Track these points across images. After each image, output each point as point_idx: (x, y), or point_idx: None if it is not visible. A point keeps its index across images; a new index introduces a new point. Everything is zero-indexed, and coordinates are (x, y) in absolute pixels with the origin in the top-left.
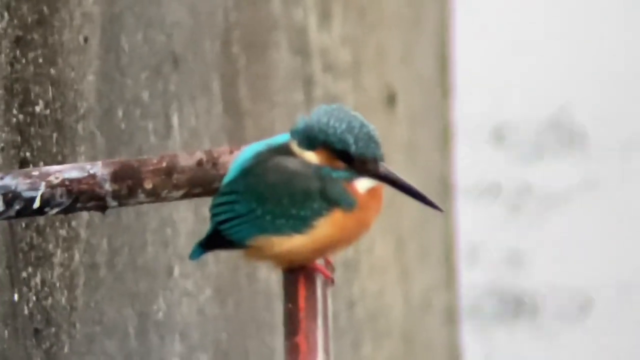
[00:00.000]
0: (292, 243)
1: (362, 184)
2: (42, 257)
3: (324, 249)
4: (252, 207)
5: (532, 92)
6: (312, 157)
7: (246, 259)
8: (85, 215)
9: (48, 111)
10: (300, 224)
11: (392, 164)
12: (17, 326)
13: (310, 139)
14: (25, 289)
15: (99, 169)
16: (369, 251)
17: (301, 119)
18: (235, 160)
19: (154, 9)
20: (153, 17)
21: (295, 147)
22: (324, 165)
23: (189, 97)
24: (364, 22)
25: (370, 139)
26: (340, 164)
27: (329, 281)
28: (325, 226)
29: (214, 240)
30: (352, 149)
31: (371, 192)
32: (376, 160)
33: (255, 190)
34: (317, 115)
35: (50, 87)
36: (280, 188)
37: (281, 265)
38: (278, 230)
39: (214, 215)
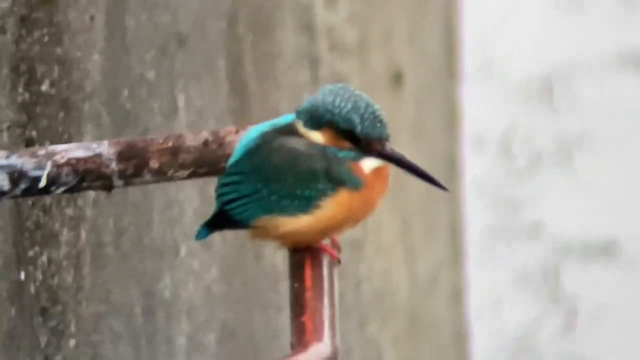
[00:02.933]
0: (298, 223)
1: (368, 164)
2: (49, 236)
3: (329, 229)
4: (258, 187)
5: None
6: (317, 137)
7: (252, 239)
8: (91, 194)
9: (54, 90)
10: (306, 204)
11: (398, 144)
12: (23, 305)
13: (315, 118)
14: (31, 268)
15: (105, 148)
16: (375, 231)
17: (306, 99)
18: (240, 140)
19: None
20: None
21: (300, 127)
22: (329, 145)
23: (194, 76)
24: (370, 0)
25: (376, 118)
26: (346, 144)
27: (335, 261)
28: (331, 206)
29: (220, 221)
30: (358, 128)
31: (377, 172)
32: (382, 140)
33: (261, 170)
34: (323, 94)
35: (56, 66)
36: (285, 168)
37: (286, 245)
38: (283, 211)
39: (219, 196)
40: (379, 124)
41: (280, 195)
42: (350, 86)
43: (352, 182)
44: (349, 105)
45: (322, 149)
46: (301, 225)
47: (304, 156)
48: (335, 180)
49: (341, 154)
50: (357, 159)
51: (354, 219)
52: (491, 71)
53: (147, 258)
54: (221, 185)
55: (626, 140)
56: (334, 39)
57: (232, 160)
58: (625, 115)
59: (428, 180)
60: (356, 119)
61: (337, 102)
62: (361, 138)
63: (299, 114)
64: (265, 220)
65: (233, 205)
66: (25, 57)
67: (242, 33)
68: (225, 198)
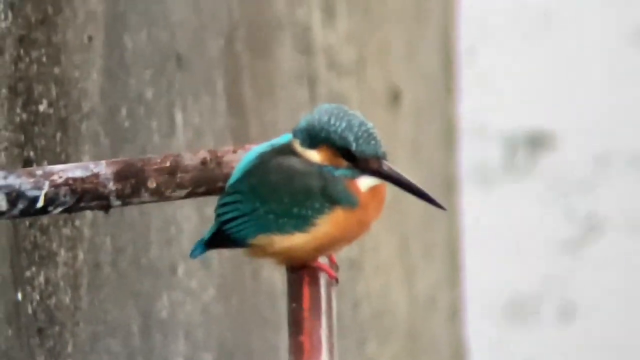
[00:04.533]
0: (294, 241)
1: (364, 183)
2: (46, 256)
3: (325, 247)
4: (256, 206)
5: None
6: (314, 155)
7: (248, 257)
8: (89, 214)
9: (52, 110)
10: (302, 222)
11: (396, 161)
12: (20, 325)
13: (312, 137)
14: (29, 288)
15: (103, 168)
16: (373, 250)
17: (303, 118)
18: (240, 161)
19: (157, 8)
20: (157, 15)
21: (297, 146)
22: (326, 164)
23: (192, 95)
24: (368, 19)
25: (370, 136)
26: (343, 162)
27: (333, 280)
28: (327, 225)
29: (217, 239)
30: (353, 146)
31: (373, 190)
32: (378, 158)
33: (258, 189)
34: (319, 114)
35: (54, 86)
36: (282, 187)
37: (282, 263)
38: (280, 229)
39: (218, 215)
40: (373, 142)
41: (277, 214)
42: (345, 106)
43: (348, 201)
44: (344, 124)
45: (318, 167)
46: (297, 243)
47: (300, 175)
48: (331, 199)
49: (338, 173)
50: (353, 177)
51: (349, 238)
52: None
53: (145, 278)
54: (220, 205)
55: None
56: (331, 58)
57: (231, 180)
58: None
59: (425, 199)
60: (351, 137)
61: (332, 120)
62: (357, 156)
63: (295, 133)
64: (262, 239)
65: (231, 224)
66: (23, 77)
67: (240, 52)
68: (224, 218)
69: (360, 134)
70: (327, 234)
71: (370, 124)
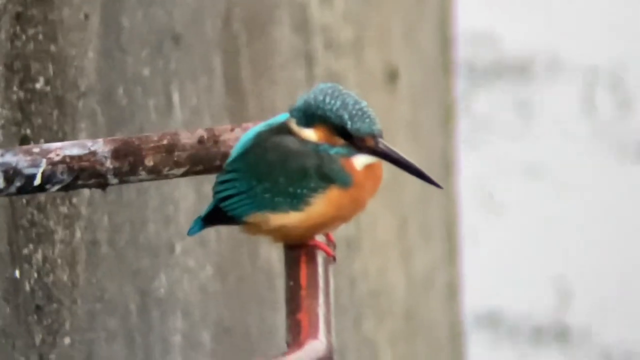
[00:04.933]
0: (288, 219)
1: (360, 161)
2: (43, 234)
3: (320, 226)
4: (252, 184)
5: None
6: (310, 134)
7: (245, 234)
8: (86, 192)
9: (49, 88)
10: (297, 201)
11: (394, 141)
12: (18, 303)
13: (308, 116)
14: (26, 265)
15: (100, 146)
16: (371, 229)
17: (300, 98)
18: (239, 140)
19: None
20: None
21: (294, 125)
22: (322, 143)
23: (190, 75)
24: None
25: (364, 114)
26: (339, 141)
27: (330, 258)
28: (321, 203)
29: (214, 216)
30: (348, 124)
31: (369, 169)
32: (374, 136)
33: (255, 168)
34: (314, 93)
35: (50, 64)
36: (277, 166)
37: (278, 240)
38: (275, 208)
39: (216, 193)
40: (367, 119)
41: (272, 192)
42: (340, 86)
43: (343, 179)
44: (338, 102)
45: (314, 146)
46: (291, 221)
47: (296, 154)
48: (326, 177)
49: (333, 151)
50: (349, 155)
51: (344, 216)
52: None
53: (142, 256)
54: (218, 183)
55: None
56: (329, 37)
57: (229, 159)
58: None
59: (421, 177)
60: (345, 115)
61: (328, 99)
62: (353, 134)
63: (292, 112)
64: (257, 217)
65: (228, 202)
66: (19, 55)
67: (237, 31)
68: (221, 195)
69: (354, 112)
70: (321, 213)
71: (364, 102)
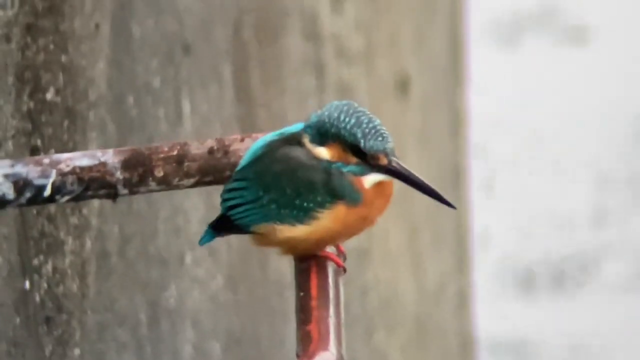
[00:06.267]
0: (295, 232)
1: (371, 179)
2: (54, 244)
3: (326, 240)
4: (259, 194)
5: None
6: (323, 152)
7: (253, 244)
8: (96, 203)
9: (59, 98)
10: (303, 214)
11: (405, 150)
12: (28, 314)
13: (321, 134)
14: (36, 276)
15: (110, 156)
16: (382, 239)
17: (313, 114)
18: (250, 148)
19: None
20: (164, 3)
21: (307, 142)
22: (335, 160)
23: (200, 83)
24: (376, 7)
25: (378, 132)
26: (352, 159)
27: (341, 269)
28: (328, 219)
29: (223, 225)
30: (362, 143)
31: (379, 187)
32: (387, 154)
33: (263, 178)
34: (329, 110)
35: (61, 74)
36: (285, 178)
37: (286, 252)
38: (282, 219)
39: (224, 201)
40: (381, 138)
41: (279, 204)
42: (354, 103)
43: (352, 196)
44: (352, 120)
45: (325, 162)
46: (298, 234)
47: (304, 167)
48: (334, 193)
49: (347, 169)
50: (362, 173)
51: (351, 233)
52: None
53: (152, 267)
54: (226, 191)
55: None
56: (340, 46)
57: (239, 167)
58: None
59: (434, 197)
60: (359, 134)
61: (342, 117)
62: (366, 152)
63: (306, 129)
64: (264, 227)
65: (236, 211)
66: (30, 65)
67: (247, 39)
68: (229, 203)
69: (368, 130)
70: (328, 228)
71: (378, 121)
